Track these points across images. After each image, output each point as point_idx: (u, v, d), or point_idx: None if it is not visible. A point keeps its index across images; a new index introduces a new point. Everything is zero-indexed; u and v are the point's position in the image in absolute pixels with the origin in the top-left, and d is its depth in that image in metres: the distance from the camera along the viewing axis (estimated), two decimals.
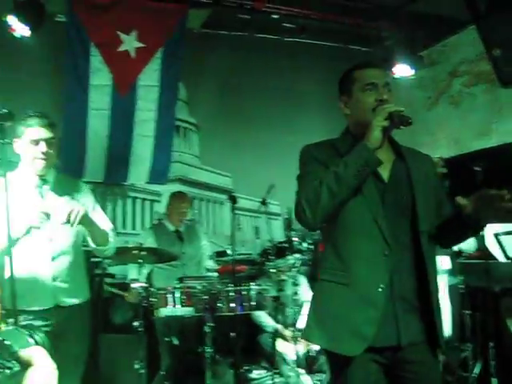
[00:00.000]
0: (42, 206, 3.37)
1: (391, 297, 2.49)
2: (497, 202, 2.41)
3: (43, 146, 3.41)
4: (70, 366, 3.36)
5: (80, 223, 3.33)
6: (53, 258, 3.41)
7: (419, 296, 2.54)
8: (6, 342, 1.06)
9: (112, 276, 6.34)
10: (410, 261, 2.56)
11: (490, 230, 4.68)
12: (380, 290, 2.46)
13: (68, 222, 3.27)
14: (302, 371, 5.04)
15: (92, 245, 3.62)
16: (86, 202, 3.61)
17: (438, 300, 2.59)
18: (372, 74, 2.66)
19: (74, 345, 3.47)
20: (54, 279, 3.39)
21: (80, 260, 3.63)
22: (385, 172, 2.62)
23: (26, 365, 1.06)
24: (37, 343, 1.13)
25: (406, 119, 2.50)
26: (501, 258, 4.80)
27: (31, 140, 3.41)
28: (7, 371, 1.04)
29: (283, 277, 5.44)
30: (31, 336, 1.13)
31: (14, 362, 1.06)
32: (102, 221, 3.70)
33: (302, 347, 5.32)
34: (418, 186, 2.63)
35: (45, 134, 3.42)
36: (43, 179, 3.50)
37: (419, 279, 2.55)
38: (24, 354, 1.06)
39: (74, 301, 3.50)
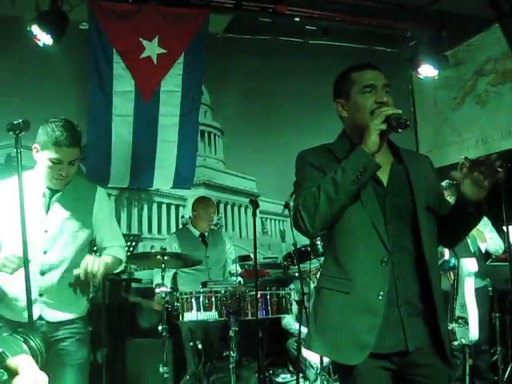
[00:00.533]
0: (42, 222, 3.17)
1: (396, 302, 2.45)
2: (484, 168, 2.35)
3: (65, 168, 3.15)
4: (65, 373, 3.21)
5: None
6: (42, 273, 3.16)
7: (423, 299, 2.50)
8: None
9: (139, 281, 6.38)
10: (413, 264, 2.51)
11: None
12: (380, 297, 2.42)
13: (87, 279, 3.08)
14: (327, 377, 5.01)
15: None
16: (95, 207, 3.37)
17: (441, 303, 2.55)
18: (371, 76, 2.60)
19: (67, 353, 3.23)
20: (41, 295, 3.15)
21: (71, 276, 3.24)
22: (384, 175, 2.56)
23: (13, 373, 1.05)
24: (31, 350, 1.12)
25: (403, 122, 2.41)
26: None
27: (53, 159, 3.13)
28: None
29: (308, 280, 5.42)
30: (26, 342, 1.12)
31: (1, 370, 1.05)
32: (113, 239, 3.48)
33: None
34: (418, 188, 2.58)
35: (71, 155, 3.14)
36: (53, 190, 3.26)
37: (422, 282, 2.51)
38: (11, 362, 1.05)
39: (63, 316, 3.23)
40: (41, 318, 3.16)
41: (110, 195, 6.68)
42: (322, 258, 5.19)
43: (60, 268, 3.22)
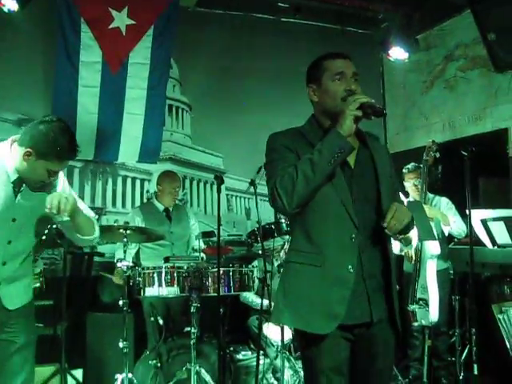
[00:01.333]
0: (10, 210, 3.00)
1: (362, 276, 2.63)
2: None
3: (53, 174, 3.04)
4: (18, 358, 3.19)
5: (69, 214, 2.94)
6: (3, 263, 3.06)
7: (383, 275, 2.71)
8: None
9: (101, 255, 6.33)
10: (376, 242, 2.69)
11: (477, 215, 4.65)
12: (350, 270, 2.59)
13: (58, 213, 2.86)
14: (287, 354, 5.03)
15: (78, 236, 3.19)
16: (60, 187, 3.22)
17: (395, 280, 2.77)
18: (341, 65, 2.74)
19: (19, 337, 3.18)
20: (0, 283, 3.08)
21: (29, 259, 3.27)
22: (351, 159, 2.71)
23: None
24: None
25: (378, 110, 2.56)
26: (488, 244, 4.78)
27: (52, 171, 2.98)
28: None
29: (271, 258, 5.42)
30: None
31: None
32: (85, 209, 3.32)
33: (289, 331, 5.31)
34: (382, 173, 2.76)
35: (63, 166, 3.04)
36: (19, 177, 3.05)
37: (383, 260, 2.72)
38: None
39: (20, 303, 3.20)
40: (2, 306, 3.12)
41: (74, 168, 6.60)
42: (286, 237, 5.22)
43: (22, 256, 3.16)
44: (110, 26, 6.07)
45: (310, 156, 2.56)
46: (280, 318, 2.77)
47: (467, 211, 4.32)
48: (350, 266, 2.59)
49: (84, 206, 3.29)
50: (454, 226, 5.60)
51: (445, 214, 5.60)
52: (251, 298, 5.82)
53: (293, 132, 2.82)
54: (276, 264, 5.29)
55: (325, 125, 2.76)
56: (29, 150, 2.90)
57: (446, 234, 5.68)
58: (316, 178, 2.54)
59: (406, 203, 4.49)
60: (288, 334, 5.24)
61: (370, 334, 2.68)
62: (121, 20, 6.10)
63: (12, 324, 3.15)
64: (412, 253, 5.02)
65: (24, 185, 3.04)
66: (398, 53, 6.98)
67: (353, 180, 2.69)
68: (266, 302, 5.17)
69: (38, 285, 4.92)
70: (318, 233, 2.66)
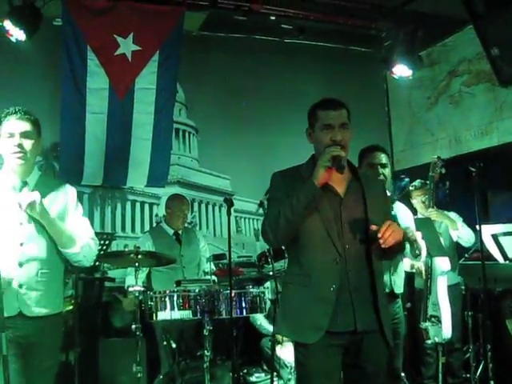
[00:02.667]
0: (17, 214, 3.20)
1: (348, 289, 3.00)
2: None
3: (17, 139, 3.23)
4: (40, 380, 3.26)
5: (34, 213, 3.16)
6: (20, 264, 3.19)
7: (371, 290, 3.07)
8: None
9: (112, 280, 6.32)
10: (363, 259, 3.07)
11: (488, 230, 4.64)
12: (332, 289, 2.98)
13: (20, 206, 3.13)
14: None
15: (59, 248, 3.34)
16: (65, 203, 3.43)
17: (382, 294, 3.15)
18: (331, 116, 3.10)
19: (45, 359, 3.28)
20: (20, 286, 3.17)
21: (53, 268, 3.35)
22: (340, 188, 3.12)
23: None
24: None
25: (341, 166, 2.97)
26: (500, 259, 4.76)
27: (7, 133, 3.25)
28: None
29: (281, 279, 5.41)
30: None
31: None
32: (79, 225, 3.46)
33: None
34: (370, 203, 3.13)
35: (21, 126, 3.26)
36: (23, 182, 3.30)
37: (370, 278, 3.07)
38: None
39: (42, 311, 3.25)
40: (20, 313, 3.18)
41: (83, 193, 6.64)
42: None
43: (38, 261, 3.24)
44: (116, 53, 6.11)
45: (290, 200, 2.99)
46: (279, 330, 3.47)
47: (477, 227, 4.31)
48: (333, 286, 2.98)
49: (79, 222, 3.48)
50: (462, 230, 5.59)
51: (453, 219, 5.60)
52: (260, 321, 5.80)
53: (291, 171, 3.23)
54: None
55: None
56: None
57: (455, 240, 5.66)
58: (294, 219, 2.99)
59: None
60: None
61: (357, 341, 3.02)
62: (126, 46, 6.14)
63: (35, 344, 3.21)
64: (422, 267, 5.01)
65: (26, 189, 3.26)
66: (401, 70, 6.99)
67: (342, 207, 3.07)
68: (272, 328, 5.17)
69: (71, 307, 4.96)
70: (305, 257, 3.08)
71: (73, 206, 3.49)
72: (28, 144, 3.27)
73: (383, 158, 4.32)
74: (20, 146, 3.24)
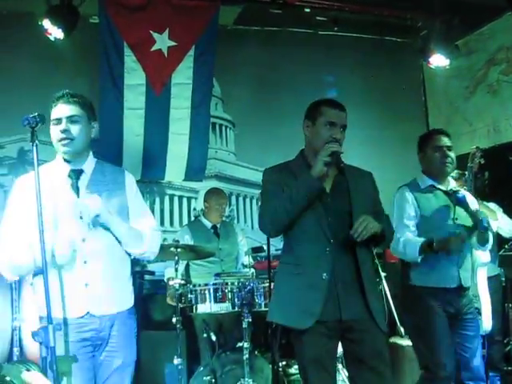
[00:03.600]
0: (76, 205, 2.97)
1: (334, 281, 3.12)
2: None
3: (64, 125, 3.00)
4: (113, 379, 3.07)
5: (100, 223, 2.98)
6: (85, 262, 2.97)
7: (358, 281, 3.18)
8: (7, 378, 1.14)
9: (152, 273, 6.41)
10: (349, 254, 3.18)
11: None
12: (323, 277, 3.10)
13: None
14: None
15: (125, 249, 3.16)
16: (125, 193, 3.19)
17: (371, 285, 3.22)
18: (336, 115, 3.22)
19: (118, 357, 3.07)
20: (87, 285, 2.97)
21: (119, 264, 3.13)
22: (328, 184, 3.23)
23: None
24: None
25: (338, 162, 3.12)
26: None
27: (54, 119, 3.04)
28: None
29: None
30: (27, 370, 1.19)
31: None
32: (142, 218, 3.25)
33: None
34: (356, 195, 3.26)
35: (67, 110, 3.03)
36: (77, 170, 3.10)
37: (355, 268, 3.18)
38: (25, 378, 1.13)
39: (111, 310, 3.06)
40: (88, 312, 2.98)
41: None
42: None
43: (102, 256, 3.03)
44: (153, 49, 6.19)
45: (290, 192, 3.11)
46: (271, 315, 3.36)
47: None
48: (324, 274, 3.11)
49: (138, 213, 3.25)
50: (502, 221, 5.51)
51: (493, 209, 5.52)
52: None
53: (281, 167, 3.36)
54: None
55: (309, 158, 3.28)
56: None
57: (495, 230, 5.57)
58: (293, 210, 3.11)
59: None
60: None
61: (346, 327, 3.14)
62: (162, 42, 6.20)
63: (112, 341, 3.06)
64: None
65: (82, 178, 3.09)
66: (438, 60, 6.93)
67: (328, 201, 3.20)
68: None
69: None
70: (298, 247, 3.21)
71: (134, 197, 3.26)
72: (76, 129, 3.04)
73: (448, 141, 4.28)
74: (66, 131, 3.01)
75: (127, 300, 3.20)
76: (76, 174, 3.10)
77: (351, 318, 3.13)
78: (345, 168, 3.24)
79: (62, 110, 3.05)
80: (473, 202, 4.44)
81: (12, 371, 1.06)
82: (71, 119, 3.03)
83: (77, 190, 3.07)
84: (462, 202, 4.24)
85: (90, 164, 3.17)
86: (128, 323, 3.16)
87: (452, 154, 4.23)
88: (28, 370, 1.11)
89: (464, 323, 4.13)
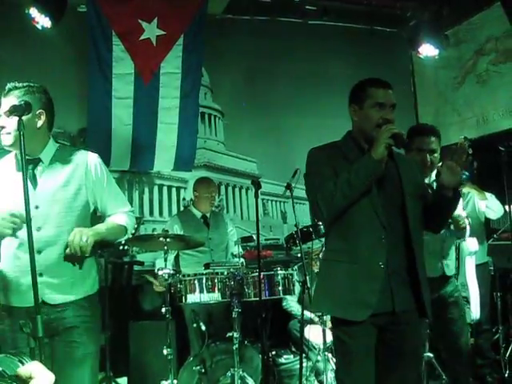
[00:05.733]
0: (32, 197, 2.83)
1: (388, 271, 3.00)
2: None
3: (1, 120, 3.00)
4: (74, 368, 3.01)
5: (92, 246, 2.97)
6: (39, 251, 2.89)
7: (409, 272, 3.07)
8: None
9: (141, 263, 6.39)
10: (401, 242, 3.07)
11: None
12: (381, 266, 2.98)
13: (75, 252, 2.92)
14: (329, 356, 5.03)
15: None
16: (93, 179, 3.16)
17: (424, 275, 3.12)
18: (383, 95, 3.11)
19: (77, 346, 3.03)
20: (41, 274, 2.88)
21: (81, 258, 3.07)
22: None
23: (25, 381, 1.11)
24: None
25: (404, 142, 3.05)
26: None
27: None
28: None
29: (310, 261, 5.43)
30: (21, 362, 1.18)
31: (14, 383, 1.10)
32: (116, 205, 3.26)
33: (329, 333, 5.31)
34: (406, 181, 3.14)
35: (4, 104, 3.00)
36: (34, 159, 3.06)
37: (409, 258, 3.07)
38: (22, 370, 1.11)
39: (68, 298, 3.03)
40: (42, 301, 2.90)
41: None
42: (324, 239, 5.22)
43: (58, 244, 3.01)
44: (141, 38, 6.15)
45: (348, 176, 2.96)
46: (320, 306, 3.32)
47: (506, 207, 4.28)
48: (380, 263, 2.98)
49: (114, 200, 3.27)
50: (491, 200, 5.49)
51: (481, 190, 5.50)
52: (295, 308, 5.80)
53: (331, 147, 3.22)
54: (315, 267, 5.30)
55: (361, 143, 3.17)
56: None
57: (484, 210, 5.54)
58: (352, 194, 2.98)
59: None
60: (329, 336, 5.25)
61: (393, 320, 3.03)
62: (151, 31, 6.17)
63: (71, 332, 3.03)
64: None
65: (38, 169, 3.06)
66: (427, 50, 6.94)
67: (380, 187, 3.07)
68: (308, 314, 5.19)
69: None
70: (353, 235, 3.06)
71: (102, 180, 3.21)
72: (13, 122, 2.92)
73: (433, 143, 4.14)
74: (2, 127, 3.01)
75: (89, 287, 3.19)
76: (33, 164, 3.07)
77: (401, 310, 3.03)
78: (394, 153, 3.19)
79: (2, 104, 3.03)
80: None
81: (4, 362, 1.05)
82: (8, 112, 2.90)
83: (33, 178, 3.04)
84: None
85: (48, 152, 3.13)
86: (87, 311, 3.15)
87: (434, 157, 4.16)
88: (21, 362, 1.10)
89: (447, 308, 4.17)
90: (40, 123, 3.10)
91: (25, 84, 3.09)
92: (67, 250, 2.94)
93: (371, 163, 2.96)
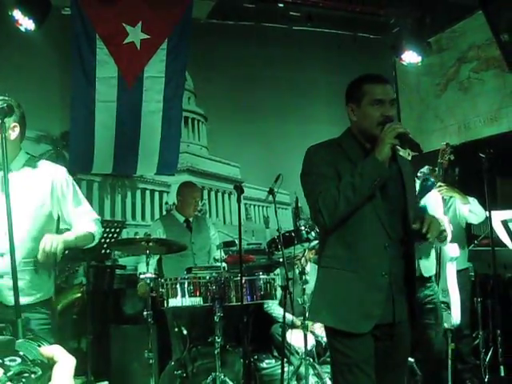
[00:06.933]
0: None
1: (389, 281, 2.88)
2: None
3: None
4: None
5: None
6: (1, 255, 3.03)
7: (406, 281, 2.97)
8: (20, 353, 1.13)
9: (123, 267, 6.38)
10: (401, 250, 2.96)
11: (498, 217, 4.64)
12: (385, 276, 2.86)
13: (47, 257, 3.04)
14: (311, 361, 5.04)
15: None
16: (54, 187, 3.27)
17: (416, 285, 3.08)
18: (381, 91, 2.94)
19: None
20: (1, 276, 3.04)
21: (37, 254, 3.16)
22: None
23: (48, 365, 1.12)
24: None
25: (415, 145, 2.83)
26: (510, 245, 4.76)
27: None
28: (33, 376, 1.09)
29: (292, 266, 5.44)
30: (39, 346, 1.19)
31: (36, 367, 1.11)
32: (81, 214, 3.39)
33: (311, 337, 5.33)
34: (408, 186, 3.03)
35: None
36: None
37: (407, 265, 2.98)
38: (45, 351, 1.13)
39: (27, 299, 3.11)
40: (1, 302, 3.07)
41: (93, 182, 6.69)
42: (306, 244, 5.24)
43: (20, 249, 3.04)
44: (125, 42, 6.13)
45: (352, 180, 2.79)
46: (318, 316, 3.11)
47: (487, 213, 4.32)
48: (384, 272, 2.86)
49: (83, 210, 3.41)
50: (474, 204, 5.48)
51: (463, 195, 5.50)
52: (277, 311, 5.80)
53: (331, 145, 3.05)
54: (297, 271, 5.31)
55: (362, 142, 3.00)
56: None
57: (467, 214, 5.53)
58: (356, 199, 2.81)
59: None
60: (311, 341, 5.26)
61: (391, 332, 2.95)
62: (135, 35, 6.16)
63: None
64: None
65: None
66: (410, 56, 6.99)
67: (383, 191, 2.92)
68: (290, 316, 5.20)
69: (79, 295, 5.00)
70: (355, 242, 2.90)
71: (69, 192, 3.35)
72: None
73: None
74: None
75: (46, 291, 3.29)
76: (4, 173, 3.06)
77: (399, 321, 2.94)
78: (396, 154, 3.03)
79: None
80: (436, 205, 4.52)
81: (25, 346, 1.06)
82: None
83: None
84: (425, 191, 4.32)
85: (18, 162, 3.25)
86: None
87: None
88: (39, 347, 1.12)
89: (425, 313, 4.21)
90: (14, 135, 3.18)
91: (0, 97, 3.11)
92: (39, 256, 3.04)
93: (376, 165, 2.80)
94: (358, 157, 2.92)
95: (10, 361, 1.12)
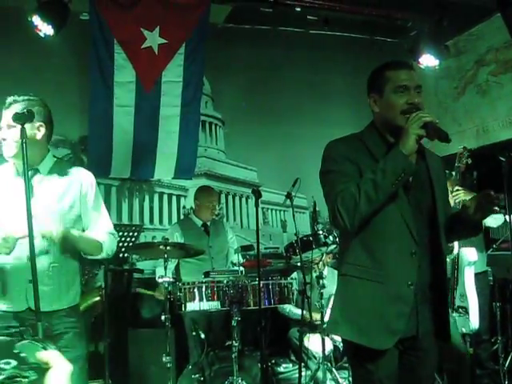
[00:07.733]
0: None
1: (414, 292, 2.61)
2: (489, 199, 2.59)
3: (2, 132, 3.09)
4: None
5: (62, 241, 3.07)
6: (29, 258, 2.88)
7: (432, 288, 2.69)
8: (21, 355, 1.12)
9: (141, 271, 6.40)
10: (428, 257, 2.68)
11: None
12: (411, 287, 2.59)
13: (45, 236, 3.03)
14: (329, 366, 5.03)
15: (83, 255, 3.30)
16: (79, 192, 3.25)
17: (446, 293, 2.81)
18: (405, 77, 2.67)
19: (65, 350, 2.93)
20: (30, 281, 2.82)
21: (66, 262, 3.20)
22: None
23: (43, 369, 1.12)
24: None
25: (443, 135, 2.51)
26: None
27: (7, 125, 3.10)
28: (24, 380, 1.09)
29: (310, 270, 5.43)
30: (44, 349, 1.18)
31: (30, 371, 1.11)
32: (100, 222, 3.35)
33: (329, 342, 5.31)
34: (437, 186, 2.74)
35: (5, 117, 3.08)
36: (34, 169, 3.13)
37: (435, 273, 2.69)
38: (42, 356, 1.13)
39: (53, 306, 3.09)
40: (29, 308, 2.98)
41: (111, 186, 6.72)
42: (324, 248, 5.23)
43: (49, 254, 3.09)
44: (143, 46, 6.16)
45: (373, 176, 2.52)
46: (336, 329, 2.81)
47: (506, 217, 4.28)
48: (409, 282, 2.59)
49: (96, 219, 3.34)
50: None
51: None
52: (288, 308, 5.81)
53: (352, 139, 2.78)
54: (315, 276, 5.30)
55: (386, 135, 2.73)
56: None
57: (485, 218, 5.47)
58: (379, 198, 2.52)
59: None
60: (329, 346, 5.24)
61: (415, 346, 2.69)
62: (153, 39, 6.18)
63: (59, 338, 3.07)
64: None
65: (36, 179, 3.13)
66: (428, 60, 6.94)
67: (410, 193, 2.66)
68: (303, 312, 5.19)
69: (98, 298, 5.03)
70: (379, 248, 2.64)
71: (92, 197, 3.32)
72: (14, 133, 3.02)
73: None
74: (3, 139, 3.10)
75: (71, 299, 3.25)
76: (31, 174, 3.09)
77: (423, 333, 2.67)
78: (424, 149, 2.75)
79: (3, 118, 3.11)
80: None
81: (28, 348, 1.06)
82: (9, 125, 3.05)
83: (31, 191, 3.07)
84: None
85: (46, 164, 3.22)
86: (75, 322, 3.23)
87: None
88: (45, 349, 1.12)
89: None
90: (40, 135, 3.17)
91: (25, 97, 3.16)
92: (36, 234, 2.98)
93: (401, 159, 2.50)
94: (381, 152, 2.64)
95: (5, 364, 1.12)
